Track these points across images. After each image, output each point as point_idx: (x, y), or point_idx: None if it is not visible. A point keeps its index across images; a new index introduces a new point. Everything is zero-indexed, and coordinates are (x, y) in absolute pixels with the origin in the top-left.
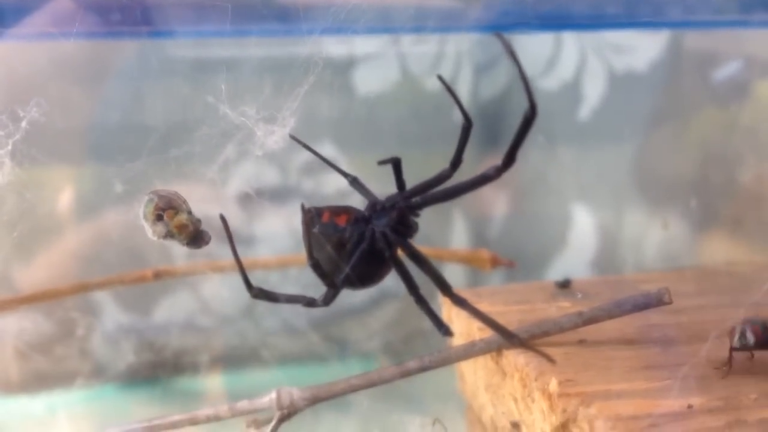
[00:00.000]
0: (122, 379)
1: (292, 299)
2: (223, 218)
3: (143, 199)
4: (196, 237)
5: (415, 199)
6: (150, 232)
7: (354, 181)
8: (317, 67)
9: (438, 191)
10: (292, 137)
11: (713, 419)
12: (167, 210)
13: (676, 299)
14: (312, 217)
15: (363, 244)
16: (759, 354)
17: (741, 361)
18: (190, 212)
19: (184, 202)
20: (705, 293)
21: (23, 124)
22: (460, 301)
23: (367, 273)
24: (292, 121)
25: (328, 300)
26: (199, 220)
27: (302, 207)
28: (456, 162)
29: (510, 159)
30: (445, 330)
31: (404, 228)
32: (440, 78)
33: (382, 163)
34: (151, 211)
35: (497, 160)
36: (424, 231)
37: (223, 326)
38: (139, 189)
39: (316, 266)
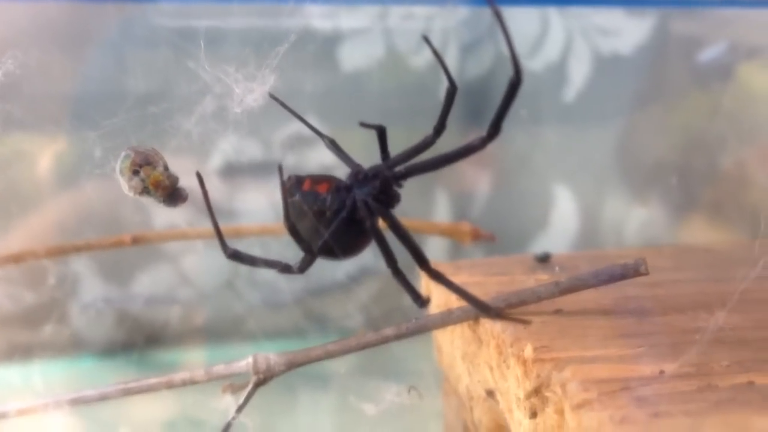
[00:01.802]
0: (101, 350)
1: (268, 263)
2: (199, 176)
3: (120, 155)
4: (172, 194)
5: (399, 169)
6: (125, 187)
7: (332, 144)
8: (302, 39)
9: (422, 161)
10: (272, 96)
11: (685, 384)
12: (144, 166)
13: (653, 274)
14: (292, 184)
15: (343, 213)
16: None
17: (713, 331)
18: (167, 168)
19: (162, 158)
20: (682, 269)
21: None
22: (436, 275)
23: (346, 242)
24: (272, 78)
25: (303, 267)
26: (176, 178)
27: (279, 169)
28: (439, 128)
29: (495, 129)
30: (421, 302)
31: (386, 197)
32: (426, 39)
33: (364, 125)
34: (128, 167)
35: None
36: (406, 207)
37: (204, 299)
38: (118, 155)
39: (292, 230)
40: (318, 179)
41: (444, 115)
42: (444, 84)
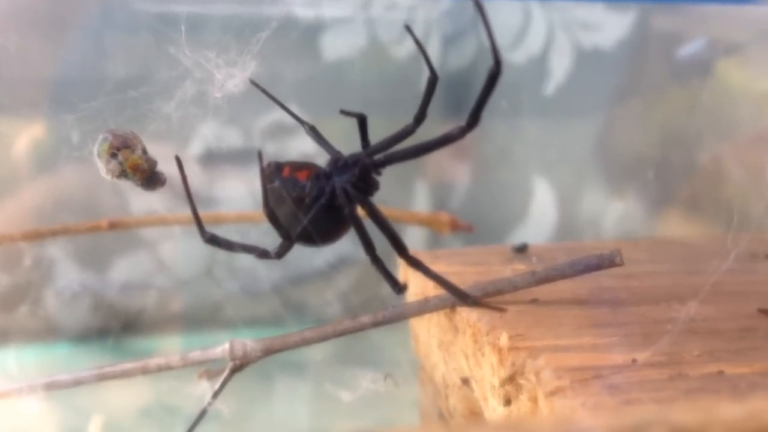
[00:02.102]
0: (76, 336)
1: (246, 249)
2: (178, 159)
3: (98, 138)
4: (150, 178)
5: (378, 157)
6: (103, 170)
7: (312, 130)
8: (284, 28)
9: (401, 149)
10: (253, 82)
11: (656, 372)
12: (122, 149)
13: (629, 266)
14: (272, 170)
15: (322, 200)
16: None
17: (685, 321)
18: (145, 152)
19: (140, 142)
20: (657, 261)
21: None
22: (414, 263)
23: (325, 229)
24: (253, 65)
25: (281, 253)
26: (155, 162)
27: (259, 155)
28: (420, 117)
29: (474, 119)
30: (399, 289)
31: (365, 185)
32: (408, 29)
33: (345, 114)
34: (106, 150)
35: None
36: (386, 197)
37: (182, 286)
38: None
39: (271, 216)
40: (298, 166)
41: (424, 104)
42: (425, 74)
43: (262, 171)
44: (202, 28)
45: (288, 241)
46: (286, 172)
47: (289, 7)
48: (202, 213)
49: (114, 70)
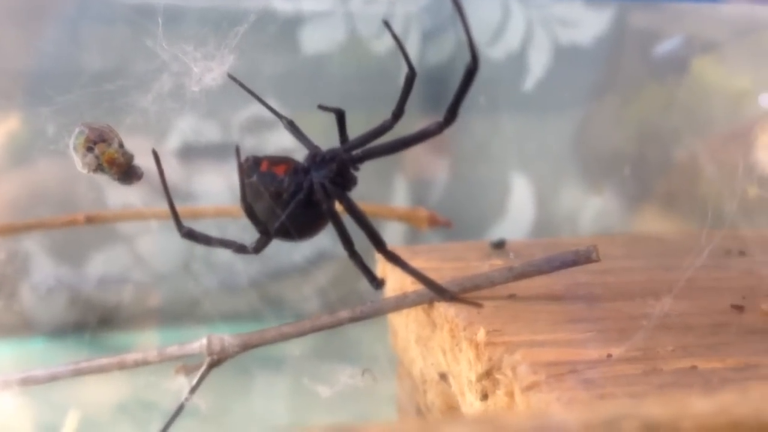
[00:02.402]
0: (52, 331)
1: (223, 243)
2: (155, 153)
3: (74, 131)
4: (127, 172)
5: (356, 152)
6: (79, 164)
7: (290, 125)
8: (263, 21)
9: (379, 145)
10: (231, 77)
11: (631, 367)
12: (98, 143)
13: (605, 261)
14: (250, 165)
15: (300, 195)
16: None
17: (660, 317)
18: (122, 145)
19: (117, 135)
20: (633, 257)
21: None
22: (392, 258)
23: (303, 224)
24: (231, 58)
25: (259, 248)
26: (131, 156)
27: (236, 150)
28: (398, 113)
29: (452, 115)
30: (377, 284)
31: (343, 180)
32: (386, 24)
33: (323, 108)
34: (82, 143)
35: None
36: (364, 192)
37: (159, 281)
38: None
39: (249, 211)
40: (276, 161)
41: (402, 100)
42: (404, 69)
43: (240, 166)
44: (180, 20)
45: (266, 235)
46: (264, 166)
47: (267, 1)
48: (179, 207)
49: (90, 62)
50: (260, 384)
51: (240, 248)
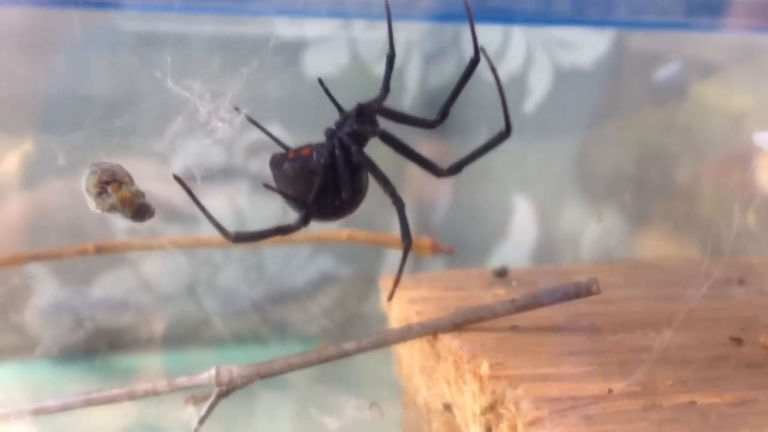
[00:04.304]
0: (58, 355)
1: (272, 232)
2: (179, 180)
3: (85, 172)
4: (140, 210)
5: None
6: (93, 204)
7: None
8: (267, 46)
9: (386, 108)
10: (236, 108)
11: (631, 403)
12: (111, 183)
13: (605, 290)
14: (278, 159)
15: (335, 154)
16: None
17: (660, 350)
18: (133, 184)
19: (127, 174)
20: (633, 285)
21: None
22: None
23: (346, 185)
24: (238, 87)
25: (305, 220)
26: (142, 193)
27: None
28: (386, 87)
29: (445, 111)
30: (408, 239)
31: (366, 124)
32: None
33: None
34: (94, 184)
35: (444, 146)
36: (368, 215)
37: (164, 304)
38: (82, 159)
39: (285, 195)
40: (298, 148)
41: (387, 78)
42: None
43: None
44: (186, 47)
45: (306, 209)
46: (291, 155)
47: (272, 27)
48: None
49: (98, 88)
50: (267, 411)
51: (287, 229)
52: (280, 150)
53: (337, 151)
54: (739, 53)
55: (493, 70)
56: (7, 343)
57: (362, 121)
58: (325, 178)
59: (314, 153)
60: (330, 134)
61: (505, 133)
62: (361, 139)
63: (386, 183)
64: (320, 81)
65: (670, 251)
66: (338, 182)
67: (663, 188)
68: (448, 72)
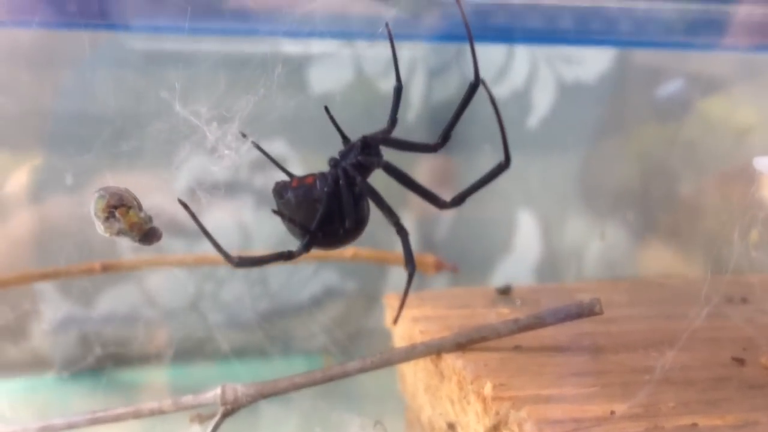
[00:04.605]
0: (63, 370)
1: (273, 258)
2: (184, 204)
3: (93, 196)
4: (148, 234)
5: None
6: (101, 228)
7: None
8: (272, 64)
9: (390, 138)
10: (243, 134)
11: (633, 425)
12: (119, 207)
13: (608, 309)
14: (281, 187)
15: (339, 183)
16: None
17: (662, 371)
18: (141, 209)
19: (135, 198)
20: (636, 304)
21: None
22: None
23: (350, 212)
24: (246, 113)
25: (307, 246)
26: (150, 218)
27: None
28: (393, 120)
29: (446, 134)
30: (412, 266)
31: (370, 156)
32: (387, 26)
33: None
34: (102, 208)
35: (447, 162)
36: (371, 233)
37: (168, 319)
38: (88, 178)
39: (289, 222)
40: (302, 177)
41: (394, 110)
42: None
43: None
44: (193, 66)
45: (309, 235)
46: (294, 183)
47: (277, 46)
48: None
49: (105, 110)
50: (270, 427)
51: (288, 255)
52: (284, 176)
53: (341, 181)
54: (742, 68)
55: (493, 102)
56: (14, 359)
57: (367, 152)
58: (329, 207)
59: (318, 182)
60: (334, 164)
61: (504, 165)
62: (365, 170)
63: (390, 213)
64: (326, 109)
65: (674, 266)
66: (341, 211)
67: (666, 203)
68: (451, 87)
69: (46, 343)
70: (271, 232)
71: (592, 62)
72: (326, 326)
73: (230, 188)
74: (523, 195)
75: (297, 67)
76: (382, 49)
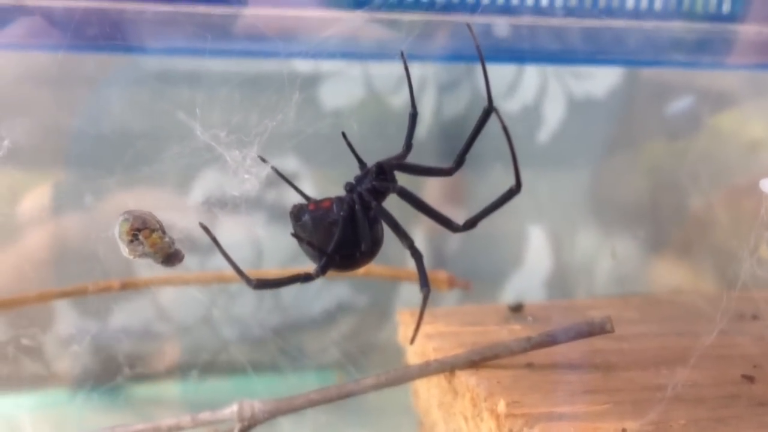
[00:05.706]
0: (77, 385)
1: (291, 280)
2: (205, 228)
3: (118, 219)
4: (170, 256)
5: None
6: (125, 251)
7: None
8: (285, 82)
9: (404, 164)
10: (262, 159)
11: None
12: (143, 230)
13: (620, 326)
14: (299, 210)
15: (355, 207)
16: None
17: (673, 388)
18: (164, 231)
19: (158, 221)
20: (647, 321)
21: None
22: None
23: (365, 235)
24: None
25: (323, 270)
26: (173, 241)
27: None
28: (408, 145)
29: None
30: (427, 289)
31: (384, 181)
32: (402, 56)
33: None
34: (127, 231)
35: (459, 178)
36: (384, 249)
37: (181, 333)
38: (101, 194)
39: (307, 244)
40: (319, 201)
41: (409, 135)
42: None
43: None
44: (209, 84)
45: (327, 257)
46: (311, 206)
47: (290, 64)
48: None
49: (123, 129)
50: None
51: (306, 278)
52: (300, 198)
53: (356, 206)
54: (752, 84)
55: (505, 129)
56: (28, 373)
57: (382, 178)
58: (345, 230)
59: (335, 206)
60: (350, 188)
61: (515, 189)
62: (380, 195)
63: (405, 237)
64: (344, 135)
65: (685, 280)
66: (357, 234)
67: (677, 217)
68: (462, 102)
69: (59, 357)
70: (283, 247)
71: (602, 77)
72: (338, 340)
73: (243, 204)
74: (534, 210)
75: (308, 84)
76: (392, 67)
